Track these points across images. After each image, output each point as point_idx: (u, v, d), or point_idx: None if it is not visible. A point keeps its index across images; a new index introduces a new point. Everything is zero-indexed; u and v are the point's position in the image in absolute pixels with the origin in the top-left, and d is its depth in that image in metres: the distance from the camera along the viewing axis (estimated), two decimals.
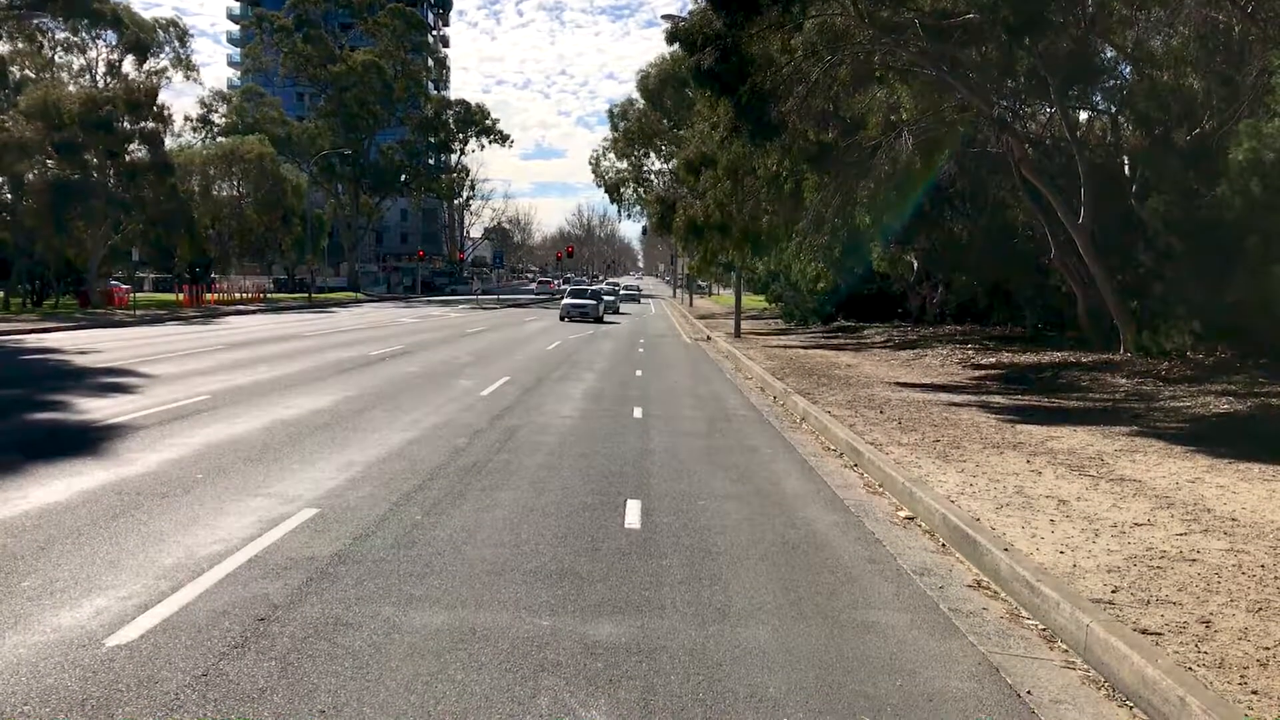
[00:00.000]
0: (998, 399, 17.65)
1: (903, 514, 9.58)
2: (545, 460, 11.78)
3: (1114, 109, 22.90)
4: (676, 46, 21.68)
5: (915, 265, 28.00)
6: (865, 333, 36.64)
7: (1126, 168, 22.06)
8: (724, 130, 22.45)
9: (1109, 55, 21.90)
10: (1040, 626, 6.52)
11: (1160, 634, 5.86)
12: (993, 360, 24.65)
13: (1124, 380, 19.23)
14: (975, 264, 27.31)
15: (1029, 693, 5.51)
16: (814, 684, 5.45)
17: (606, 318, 55.77)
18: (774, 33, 19.84)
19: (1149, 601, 6.45)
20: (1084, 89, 21.84)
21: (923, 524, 9.15)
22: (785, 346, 30.98)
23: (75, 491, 9.16)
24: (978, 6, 18.03)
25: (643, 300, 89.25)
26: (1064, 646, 6.18)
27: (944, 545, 8.46)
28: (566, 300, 52.82)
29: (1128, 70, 22.15)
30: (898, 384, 19.92)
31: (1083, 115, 24.99)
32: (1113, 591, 6.64)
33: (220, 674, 5.18)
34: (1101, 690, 5.57)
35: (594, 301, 52.90)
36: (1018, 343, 28.22)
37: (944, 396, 17.86)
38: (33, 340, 29.38)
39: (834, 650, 5.96)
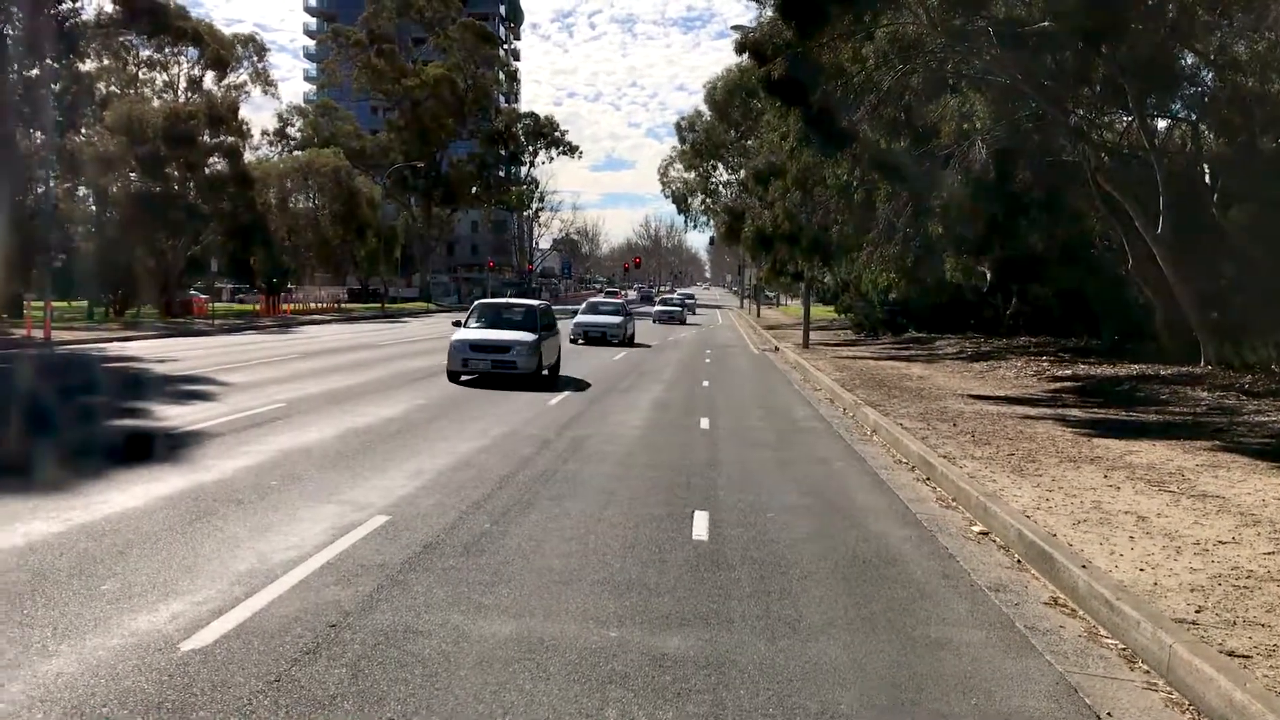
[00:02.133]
0: (1074, 412, 17.30)
1: (977, 529, 9.40)
2: (612, 470, 11.77)
3: (1195, 116, 22.38)
4: (746, 57, 21.66)
5: (989, 276, 27.58)
6: (937, 344, 36.17)
7: (1207, 176, 21.53)
8: (793, 140, 22.35)
9: (1189, 61, 21.41)
10: (1120, 646, 6.34)
11: (1249, 656, 5.66)
12: (1069, 372, 24.17)
13: (1205, 394, 18.73)
14: (1050, 274, 26.84)
15: (1109, 715, 5.35)
16: (887, 702, 5.35)
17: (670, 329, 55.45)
18: (844, 42, 19.73)
19: (1235, 622, 6.24)
20: (1163, 96, 21.37)
21: (997, 539, 8.97)
22: (855, 358, 30.69)
23: (153, 497, 9.34)
24: (1053, 13, 17.73)
25: (699, 311, 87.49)
26: (1145, 667, 6.00)
27: (1019, 561, 8.28)
28: (580, 318, 39.06)
29: (1209, 77, 21.63)
30: (971, 396, 19.61)
31: (1161, 123, 24.46)
32: (1196, 611, 6.44)
33: (292, 680, 5.22)
34: (1185, 714, 5.39)
35: (618, 319, 38.51)
36: (1094, 354, 27.65)
37: (1019, 409, 17.55)
38: (115, 349, 30.12)
39: (907, 667, 5.85)
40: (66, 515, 8.46)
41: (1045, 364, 26.30)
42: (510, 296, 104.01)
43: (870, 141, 20.67)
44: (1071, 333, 32.59)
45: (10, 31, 42.65)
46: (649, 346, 37.47)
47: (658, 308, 63.36)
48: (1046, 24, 18.00)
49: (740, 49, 21.18)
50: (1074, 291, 28.60)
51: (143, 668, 5.30)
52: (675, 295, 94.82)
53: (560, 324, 25.41)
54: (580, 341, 36.19)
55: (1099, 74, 19.90)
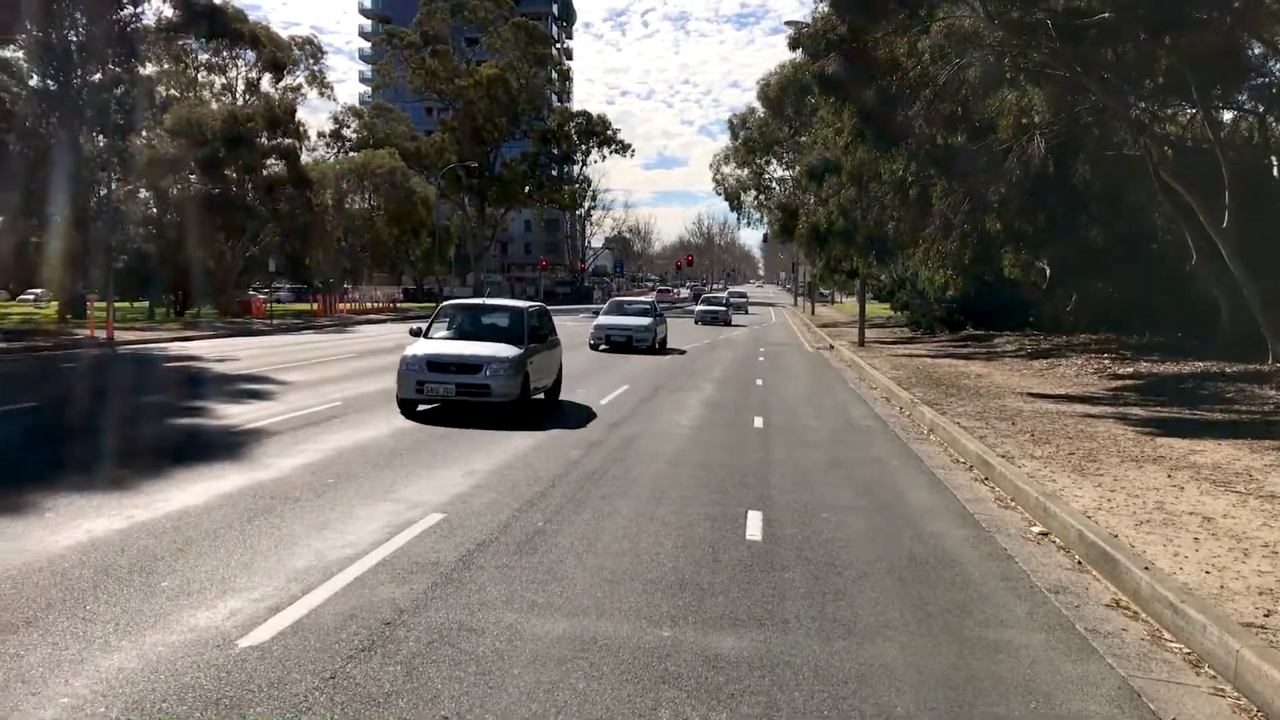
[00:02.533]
0: (1136, 410, 16.97)
1: (1036, 530, 9.25)
2: (664, 470, 11.74)
3: (1262, 108, 21.84)
4: (800, 53, 21.52)
5: (1048, 272, 27.16)
6: (995, 341, 35.70)
7: (1275, 169, 21.01)
8: (848, 135, 22.16)
9: (1257, 52, 20.91)
10: (1185, 650, 6.19)
11: None
12: (1130, 370, 23.73)
13: (1273, 392, 18.29)
14: (1111, 270, 26.37)
15: None
16: (944, 704, 5.27)
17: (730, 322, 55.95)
18: (899, 37, 19.52)
19: None
20: (1229, 87, 20.88)
21: (1057, 540, 8.81)
22: (911, 355, 30.38)
23: (213, 494, 9.47)
24: (1114, 5, 17.40)
25: (751, 310, 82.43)
26: (1211, 672, 5.85)
27: (1080, 563, 8.13)
28: (600, 320, 33.96)
29: (1278, 67, 21.11)
30: (1030, 394, 19.33)
31: (1227, 115, 23.91)
32: (1265, 615, 6.27)
33: (347, 677, 5.26)
34: None
35: (645, 321, 32.92)
36: (1157, 352, 27.13)
37: (1079, 408, 17.26)
38: (175, 349, 30.64)
39: (965, 670, 5.75)
40: (128, 513, 8.60)
41: (1106, 361, 25.85)
42: (558, 293, 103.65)
43: (926, 136, 20.41)
44: (1133, 330, 32.00)
45: (74, 37, 43.57)
46: (683, 353, 37.25)
47: (700, 308, 58.68)
48: (1107, 15, 17.66)
49: (794, 45, 21.06)
50: (1135, 288, 28.07)
51: (201, 664, 5.36)
52: (722, 294, 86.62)
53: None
54: (602, 348, 31.49)
55: (1161, 65, 19.47)
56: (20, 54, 42.99)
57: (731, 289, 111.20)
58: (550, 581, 7.10)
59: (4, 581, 6.64)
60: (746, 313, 78.10)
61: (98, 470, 10.72)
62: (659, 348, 32.78)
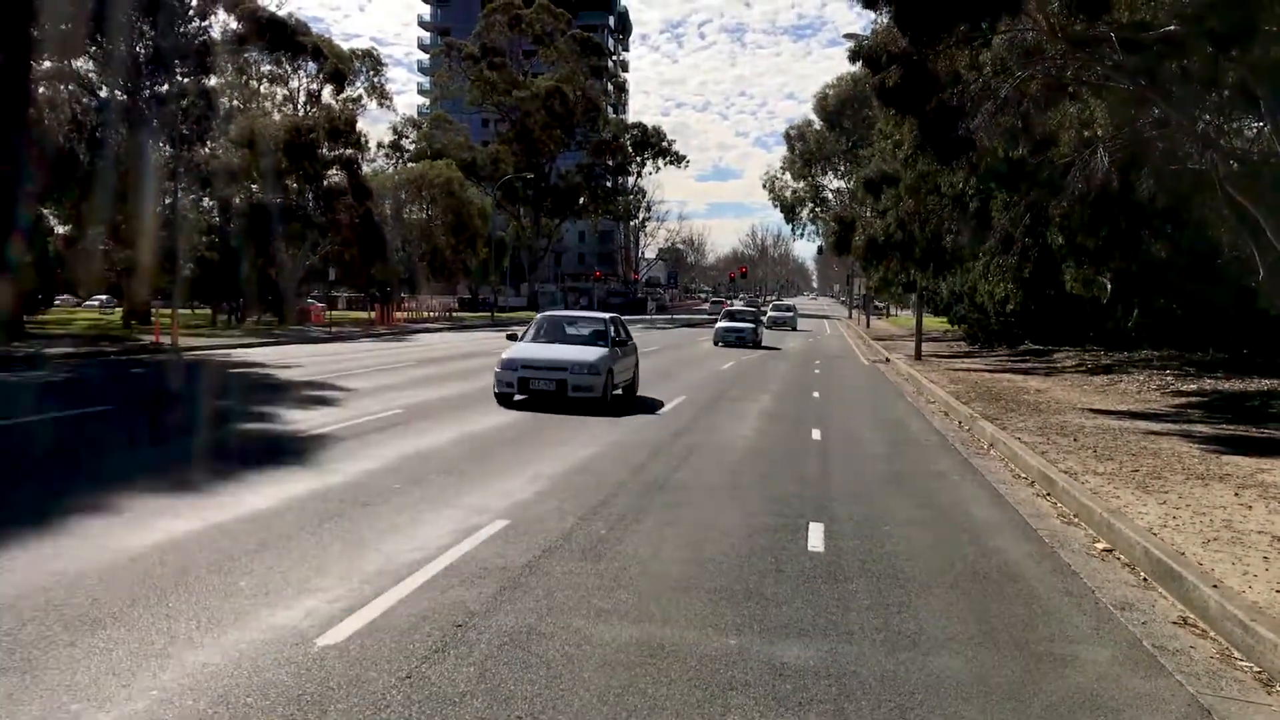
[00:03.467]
0: (1201, 428, 16.75)
1: (1100, 546, 9.19)
2: (725, 480, 11.81)
3: None
4: (859, 65, 21.48)
5: (1109, 287, 26.84)
6: (1054, 357, 35.31)
7: None
8: (908, 148, 22.09)
9: None
10: (1255, 669, 6.14)
11: None
12: (1194, 387, 23.39)
13: None
14: (1175, 286, 26.00)
15: None
16: (1011, 717, 5.29)
17: (768, 342, 54.02)
18: (960, 50, 19.42)
19: None
20: None
21: (1122, 557, 8.75)
22: (969, 370, 30.14)
23: (283, 498, 9.69)
24: (1179, 17, 17.20)
25: (799, 324, 71.58)
26: None
27: (1145, 580, 8.08)
28: (720, 324, 45.26)
29: None
30: (1092, 410, 19.13)
31: None
32: None
33: (422, 677, 5.39)
34: None
35: (751, 325, 44.47)
36: (1222, 369, 26.70)
37: (1142, 424, 17.06)
38: (238, 355, 31.23)
39: (1031, 684, 5.76)
40: (204, 514, 8.83)
41: (1169, 378, 25.49)
42: (612, 304, 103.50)
43: (987, 149, 20.30)
44: (1196, 346, 31.50)
45: (142, 49, 44.61)
46: (760, 355, 37.34)
47: (721, 324, 45.24)
48: (1172, 27, 17.46)
49: (854, 57, 21.02)
50: (1200, 303, 27.64)
51: (281, 661, 5.53)
52: (748, 307, 58.57)
53: (670, 334, 25.41)
54: (720, 345, 42.25)
55: (1228, 78, 19.19)
56: (90, 65, 44.04)
57: (774, 301, 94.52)
58: (616, 588, 7.20)
59: (90, 578, 6.87)
60: (794, 329, 67.49)
61: (172, 473, 10.99)
62: (759, 344, 43.76)
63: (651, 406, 18.99)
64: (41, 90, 40.55)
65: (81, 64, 43.35)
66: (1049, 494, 11.57)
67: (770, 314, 66.98)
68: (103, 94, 45.38)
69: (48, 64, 40.16)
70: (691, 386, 23.57)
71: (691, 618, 6.63)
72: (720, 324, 45.14)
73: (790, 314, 71.66)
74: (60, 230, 52.85)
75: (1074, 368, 30.52)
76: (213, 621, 6.13)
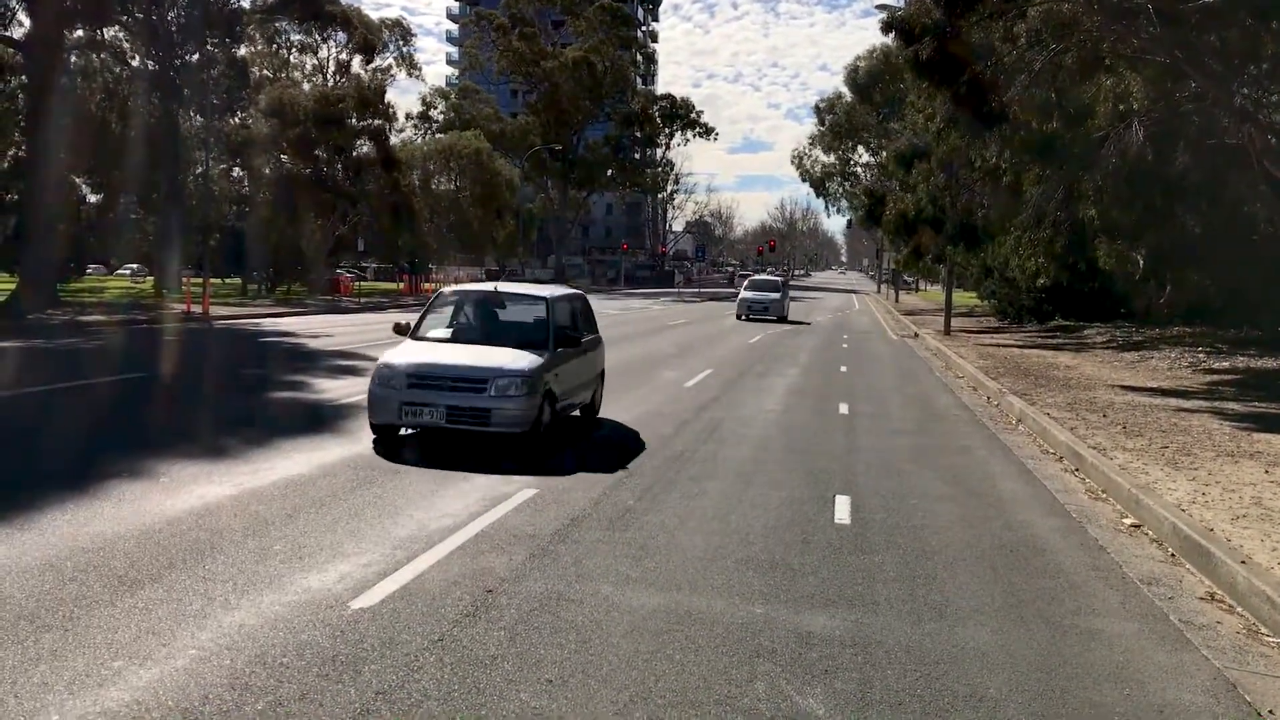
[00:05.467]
0: (1232, 405, 16.62)
1: (1128, 521, 9.18)
2: (751, 453, 11.84)
3: None
4: (892, 36, 21.26)
5: (1141, 262, 26.60)
6: (1085, 332, 35.05)
7: None
8: (940, 121, 21.93)
9: None
10: None
11: None
12: (1226, 364, 23.19)
13: None
14: (1208, 262, 25.71)
15: (1270, 712, 5.21)
16: (1036, 688, 5.32)
17: (795, 316, 52.37)
18: (995, 21, 19.22)
19: None
20: None
21: (1150, 532, 8.74)
22: (998, 345, 29.99)
23: (315, 465, 9.82)
24: None
25: (817, 296, 68.04)
26: None
27: (1173, 555, 8.07)
28: (743, 294, 43.77)
29: None
30: (1121, 387, 19.01)
31: None
32: None
33: (454, 640, 5.48)
34: None
35: (776, 295, 43.32)
36: (1254, 346, 26.44)
37: (1172, 401, 16.95)
38: (269, 324, 31.47)
39: (1056, 655, 5.79)
40: (238, 480, 8.97)
41: (1201, 355, 25.28)
42: (639, 277, 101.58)
43: (1021, 123, 20.11)
44: (1229, 323, 31.18)
45: (173, 18, 44.77)
46: (789, 329, 37.26)
47: (746, 294, 43.45)
48: (1210, 0, 17.22)
49: (886, 28, 20.80)
50: (1233, 280, 27.34)
51: (316, 623, 5.63)
52: (765, 275, 61.90)
53: (696, 307, 25.39)
54: (744, 317, 40.64)
55: (1268, 51, 18.93)
56: (122, 35, 44.24)
57: (754, 275, 73.81)
58: (643, 557, 7.27)
59: (128, 540, 7.01)
60: (782, 319, 43.56)
61: (206, 439, 11.14)
62: (784, 318, 42.41)
63: (678, 380, 18.99)
64: (74, 59, 40.82)
65: (113, 33, 43.56)
66: (1077, 469, 11.55)
67: (744, 295, 43.86)
68: (134, 63, 45.64)
69: (80, 33, 40.39)
70: (717, 360, 23.57)
71: (718, 587, 6.69)
72: (744, 294, 43.32)
73: (776, 296, 43.46)
74: (92, 199, 53.30)
75: (1104, 344, 30.31)
76: (248, 584, 6.24)
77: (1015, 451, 12.87)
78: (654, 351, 25.09)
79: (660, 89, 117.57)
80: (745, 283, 45.17)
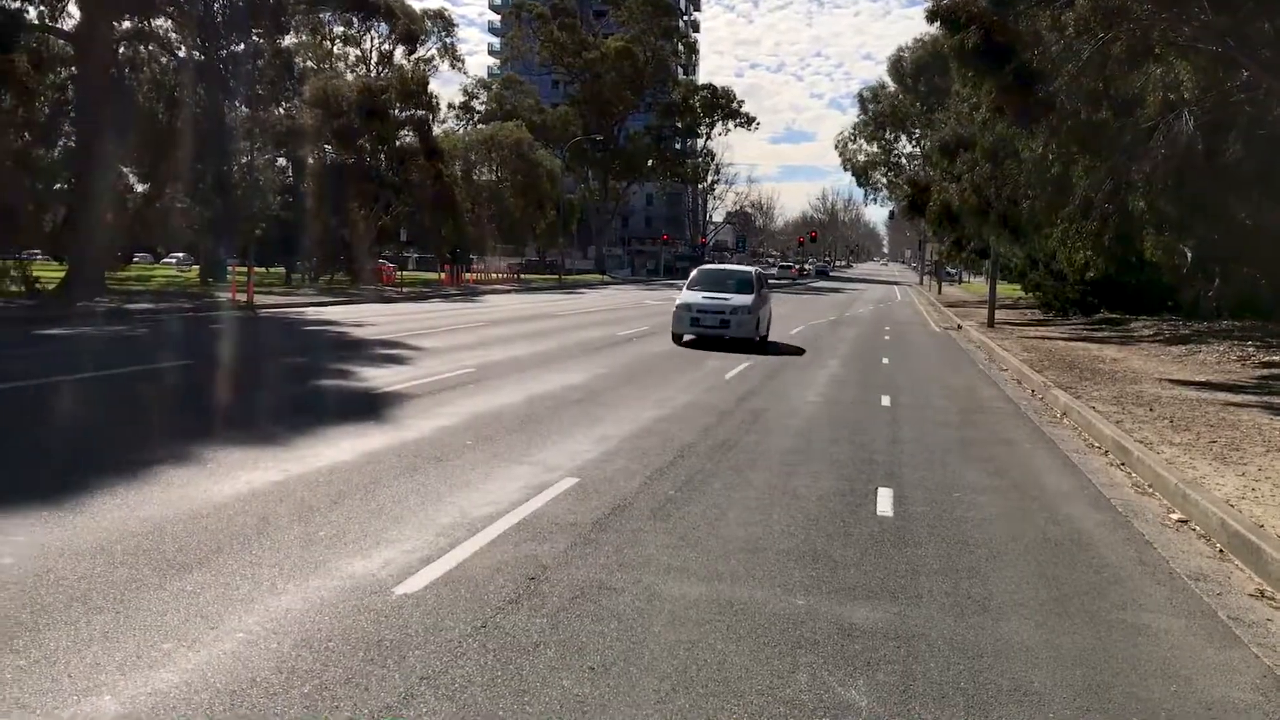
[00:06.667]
0: None
1: (1175, 516, 9.06)
2: (793, 444, 11.81)
3: None
4: (937, 25, 21.07)
5: (1190, 255, 26.20)
6: (1131, 326, 34.62)
7: None
8: (986, 111, 21.69)
9: None
10: None
11: None
12: (1276, 358, 22.81)
13: None
14: (1259, 255, 25.30)
15: None
16: (1081, 682, 5.28)
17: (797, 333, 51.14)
18: (1042, 9, 19.02)
19: None
20: None
21: (1197, 528, 8.62)
22: (1043, 338, 29.70)
23: (360, 452, 9.91)
24: None
25: (860, 287, 68.30)
26: None
27: (1221, 551, 7.96)
28: (685, 297, 24.40)
29: None
30: (1169, 381, 18.76)
31: None
32: None
33: (497, 627, 5.52)
34: None
35: (743, 300, 23.78)
36: None
37: (1221, 395, 16.70)
38: (312, 313, 31.76)
39: (1101, 650, 5.74)
40: (283, 466, 9.07)
41: (1250, 349, 24.88)
42: (678, 268, 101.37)
43: (1068, 113, 19.86)
44: None
45: (219, 8, 45.18)
46: (830, 321, 36.96)
47: (688, 294, 24.69)
48: None
49: (932, 17, 20.60)
50: None
51: (361, 608, 5.69)
52: (727, 265, 39.05)
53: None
54: (685, 339, 23.88)
55: None
56: (169, 26, 44.71)
57: (706, 265, 60.07)
58: (684, 547, 7.27)
59: (176, 525, 7.12)
60: (756, 335, 24.42)
61: (252, 426, 11.28)
62: (760, 342, 24.33)
63: (717, 371, 18.98)
64: (121, 50, 41.33)
65: (161, 23, 44.01)
66: (1123, 464, 11.41)
67: (686, 298, 24.43)
68: (181, 54, 46.12)
69: (127, 24, 40.87)
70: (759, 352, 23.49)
71: (760, 577, 6.68)
72: (686, 295, 24.51)
73: (743, 301, 24.08)
74: (139, 188, 53.99)
75: (1151, 337, 29.92)
76: (294, 569, 6.32)
77: (1060, 445, 12.74)
78: (693, 342, 25.05)
79: (702, 79, 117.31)
80: (693, 274, 26.42)
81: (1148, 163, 19.57)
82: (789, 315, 40.17)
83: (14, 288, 30.19)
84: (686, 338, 24.11)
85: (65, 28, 37.18)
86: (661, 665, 5.16)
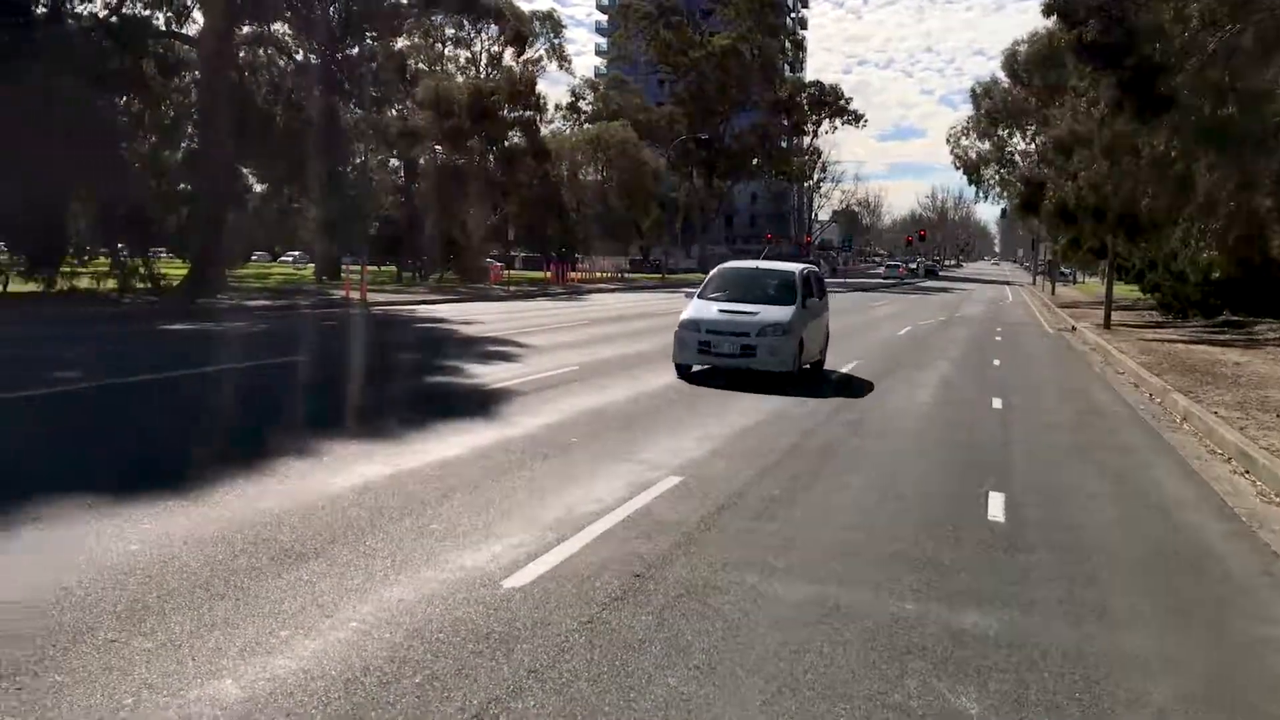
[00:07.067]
0: None
1: None
2: (900, 446, 11.65)
3: None
4: (1054, 19, 20.57)
5: None
6: (1255, 329, 33.24)
7: None
8: (1103, 107, 21.09)
9: None
10: None
11: None
12: None
13: None
14: None
15: None
16: (1203, 696, 5.10)
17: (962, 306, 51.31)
18: (1164, 1, 18.40)
19: None
20: None
21: None
22: (1162, 340, 28.72)
23: (469, 447, 10.08)
24: None
25: (967, 286, 68.75)
26: None
27: None
28: (694, 311, 16.77)
29: None
30: None
31: None
32: None
33: (603, 623, 5.56)
34: None
35: (778, 316, 16.28)
36: None
37: None
38: (422, 311, 32.41)
39: (1225, 663, 5.53)
40: (395, 460, 9.28)
41: None
42: (883, 266, 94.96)
43: (1191, 108, 19.18)
44: None
45: (335, 13, 46.36)
46: (939, 321, 36.32)
47: (698, 308, 16.91)
48: None
49: (1048, 10, 20.09)
50: None
51: (470, 601, 5.79)
52: (759, 262, 21.19)
53: (842, 298, 24.98)
54: (691, 369, 16.63)
55: None
56: (287, 29, 46.01)
57: (910, 259, 54.90)
58: (789, 548, 7.23)
59: (293, 515, 7.33)
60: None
61: (365, 421, 11.57)
62: (801, 372, 16.93)
63: (830, 377, 18.79)
64: (242, 54, 42.67)
65: (279, 27, 45.33)
66: (1247, 471, 10.97)
67: (697, 313, 16.61)
68: (298, 57, 47.44)
69: (247, 28, 42.18)
70: (865, 351, 23.24)
71: (866, 581, 6.60)
72: (695, 309, 17.01)
73: (778, 317, 16.33)
74: (257, 189, 55.70)
75: (1277, 341, 28.71)
76: (406, 560, 6.46)
77: (1179, 451, 12.32)
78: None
79: (809, 76, 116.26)
80: (710, 276, 18.74)
81: (1276, 159, 18.79)
82: (897, 315, 39.60)
83: (140, 285, 31.40)
84: (696, 368, 16.51)
85: (190, 33, 38.52)
86: (767, 666, 5.14)
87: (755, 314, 16.16)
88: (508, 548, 6.80)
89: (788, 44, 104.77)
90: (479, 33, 67.69)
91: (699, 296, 17.38)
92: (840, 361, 20.28)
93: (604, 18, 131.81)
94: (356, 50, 47.51)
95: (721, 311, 16.29)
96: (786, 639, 5.51)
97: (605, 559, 6.67)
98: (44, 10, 31.95)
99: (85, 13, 33.64)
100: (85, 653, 4.83)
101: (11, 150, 23.46)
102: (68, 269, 28.45)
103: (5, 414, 11.23)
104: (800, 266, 18.55)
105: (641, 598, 5.99)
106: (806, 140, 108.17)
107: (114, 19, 33.44)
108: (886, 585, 6.53)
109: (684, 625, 5.60)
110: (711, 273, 18.76)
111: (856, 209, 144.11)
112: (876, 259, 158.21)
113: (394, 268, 55.50)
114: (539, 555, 6.64)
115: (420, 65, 62.66)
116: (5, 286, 26.69)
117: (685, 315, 16.60)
